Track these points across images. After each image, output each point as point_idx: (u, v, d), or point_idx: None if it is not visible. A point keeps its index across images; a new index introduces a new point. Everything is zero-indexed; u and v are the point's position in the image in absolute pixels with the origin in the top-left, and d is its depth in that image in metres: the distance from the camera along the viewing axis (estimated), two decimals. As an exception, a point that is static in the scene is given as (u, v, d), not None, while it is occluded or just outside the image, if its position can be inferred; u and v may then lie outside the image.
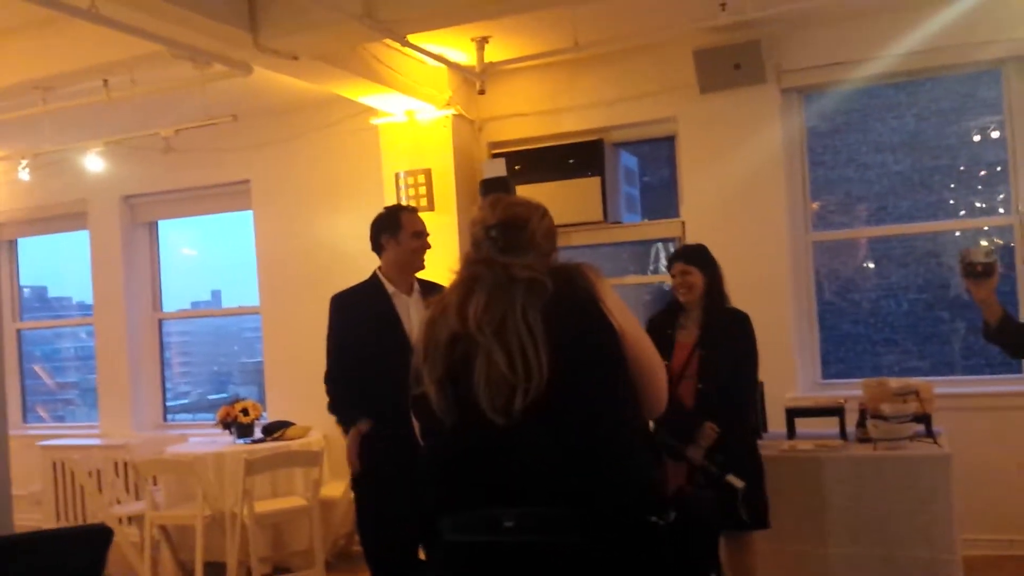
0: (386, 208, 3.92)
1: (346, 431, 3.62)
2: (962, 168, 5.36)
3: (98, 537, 2.21)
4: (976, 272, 3.06)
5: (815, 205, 5.53)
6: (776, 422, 4.35)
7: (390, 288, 3.63)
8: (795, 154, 5.43)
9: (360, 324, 3.60)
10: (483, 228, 2.07)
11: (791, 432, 4.26)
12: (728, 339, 3.74)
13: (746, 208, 5.33)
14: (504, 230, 2.05)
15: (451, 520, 1.87)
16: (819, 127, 5.50)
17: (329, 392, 3.68)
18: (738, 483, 3.45)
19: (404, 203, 5.57)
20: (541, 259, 2.04)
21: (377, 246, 3.69)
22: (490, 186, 2.15)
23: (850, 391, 4.81)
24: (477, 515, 1.83)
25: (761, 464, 3.77)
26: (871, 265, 5.62)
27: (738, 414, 3.70)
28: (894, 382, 4.17)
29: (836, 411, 4.22)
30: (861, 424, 4.10)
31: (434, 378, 1.89)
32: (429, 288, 3.76)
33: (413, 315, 3.59)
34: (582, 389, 1.85)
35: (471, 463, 1.88)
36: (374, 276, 3.70)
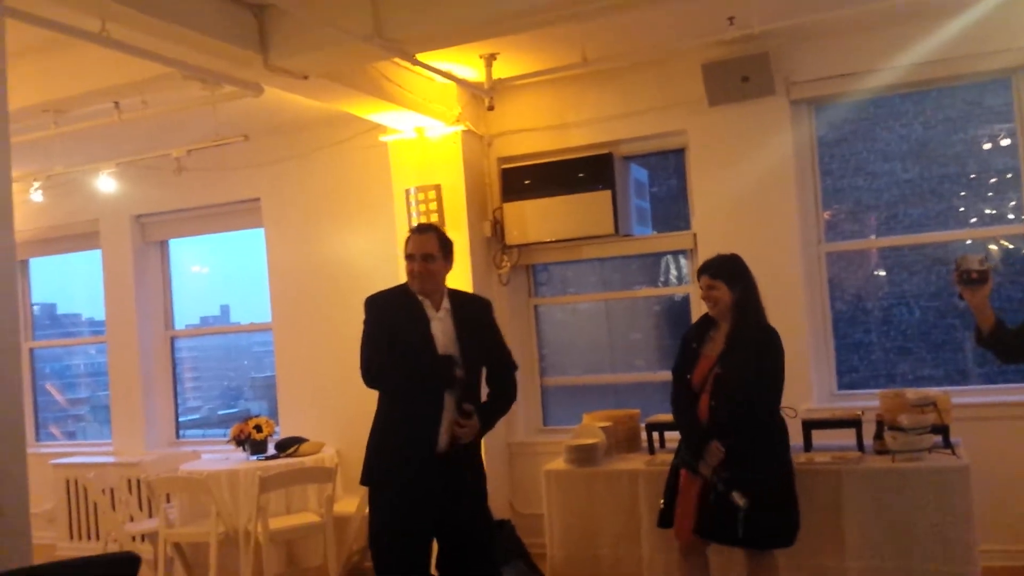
0: None
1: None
2: (972, 176, 5.35)
3: (125, 565, 2.21)
4: (971, 279, 3.09)
5: (826, 215, 5.53)
6: (793, 434, 4.33)
7: (420, 296, 3.65)
8: (806, 165, 5.44)
9: (396, 320, 3.60)
10: None
11: (808, 444, 4.26)
12: (749, 356, 3.64)
13: (758, 219, 5.33)
14: None
15: None
16: (826, 137, 5.50)
17: (373, 374, 3.61)
18: (740, 501, 3.44)
19: (416, 219, 5.60)
20: None
21: None
22: None
23: (866, 402, 4.81)
24: None
25: (786, 482, 3.70)
26: (882, 273, 5.60)
27: (754, 432, 3.63)
28: (911, 393, 4.16)
29: (853, 423, 4.21)
30: (879, 436, 4.10)
31: None
32: (467, 301, 3.78)
33: (436, 329, 3.60)
34: None
35: None
36: (405, 284, 3.70)
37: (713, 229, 5.46)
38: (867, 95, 5.26)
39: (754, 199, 5.35)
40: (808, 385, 5.22)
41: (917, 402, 4.06)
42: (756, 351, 3.66)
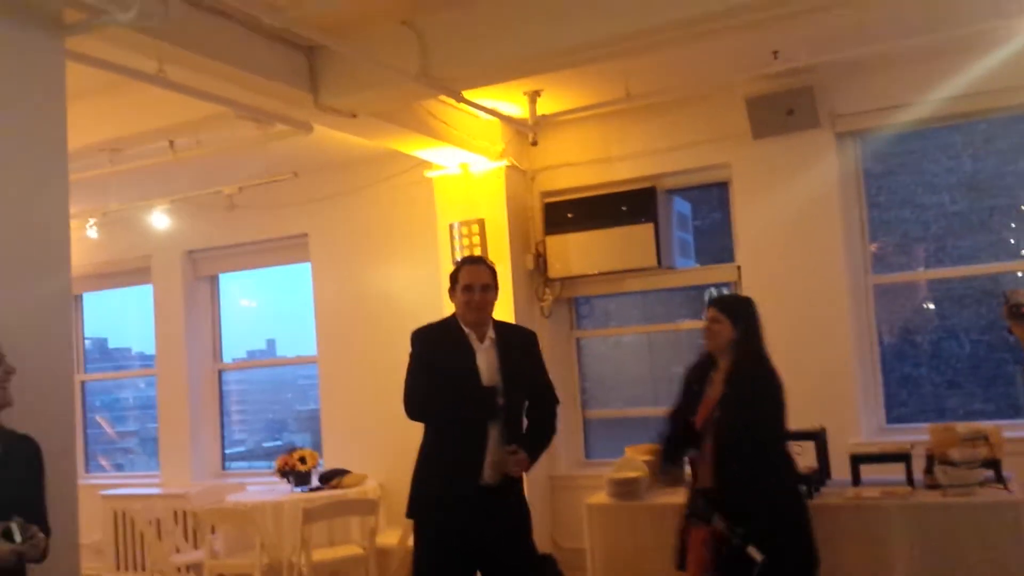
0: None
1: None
2: (1023, 208, 5.28)
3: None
4: (1021, 313, 3.04)
5: (873, 247, 5.49)
6: (840, 469, 4.28)
7: (466, 329, 3.67)
8: (851, 197, 5.41)
9: (442, 354, 3.61)
10: None
11: (856, 479, 4.19)
12: (746, 399, 3.52)
13: (803, 252, 5.31)
14: None
15: None
16: (872, 169, 5.48)
17: (417, 406, 3.61)
18: (757, 556, 3.36)
19: (460, 253, 5.66)
20: None
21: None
22: None
23: (916, 436, 4.71)
24: None
25: (801, 528, 3.55)
26: (931, 306, 5.53)
27: (758, 482, 3.47)
28: (962, 427, 4.09)
29: (903, 457, 4.13)
30: (929, 470, 4.02)
31: None
32: (511, 332, 3.80)
33: (481, 361, 3.62)
34: None
35: None
36: (452, 317, 3.72)
37: (758, 261, 5.45)
38: (911, 127, 5.22)
39: (799, 231, 5.34)
40: (856, 419, 5.15)
41: (968, 436, 3.98)
42: (752, 393, 3.54)
